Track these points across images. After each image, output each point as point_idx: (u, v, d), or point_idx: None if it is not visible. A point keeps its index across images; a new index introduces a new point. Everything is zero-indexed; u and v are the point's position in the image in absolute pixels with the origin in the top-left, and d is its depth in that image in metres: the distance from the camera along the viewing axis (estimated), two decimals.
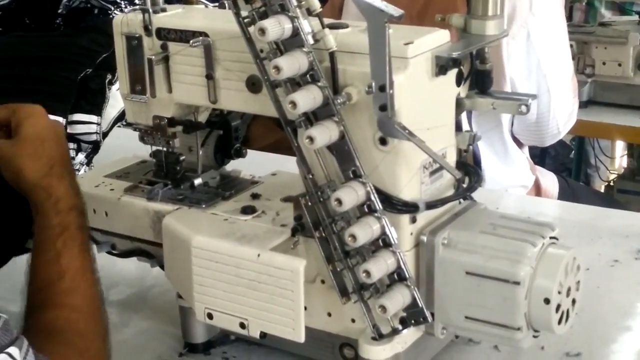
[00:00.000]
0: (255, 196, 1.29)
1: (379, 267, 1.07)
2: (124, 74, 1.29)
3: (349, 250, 1.11)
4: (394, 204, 1.09)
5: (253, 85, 1.17)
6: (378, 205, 1.08)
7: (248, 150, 1.71)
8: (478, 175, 1.19)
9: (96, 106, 1.70)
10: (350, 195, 1.06)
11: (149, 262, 1.34)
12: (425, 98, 1.11)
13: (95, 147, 1.72)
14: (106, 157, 1.67)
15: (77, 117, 1.69)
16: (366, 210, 1.08)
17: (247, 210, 1.24)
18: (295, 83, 1.09)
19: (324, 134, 1.06)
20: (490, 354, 1.25)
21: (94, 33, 1.77)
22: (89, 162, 1.74)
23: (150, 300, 1.41)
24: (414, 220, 1.12)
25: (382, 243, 1.08)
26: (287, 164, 1.31)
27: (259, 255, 1.13)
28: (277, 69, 1.04)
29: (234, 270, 1.15)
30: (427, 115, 1.12)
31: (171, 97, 1.26)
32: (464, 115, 1.25)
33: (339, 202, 1.06)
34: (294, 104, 1.04)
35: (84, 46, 1.75)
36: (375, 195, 1.08)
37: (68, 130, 1.67)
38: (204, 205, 1.26)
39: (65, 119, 1.67)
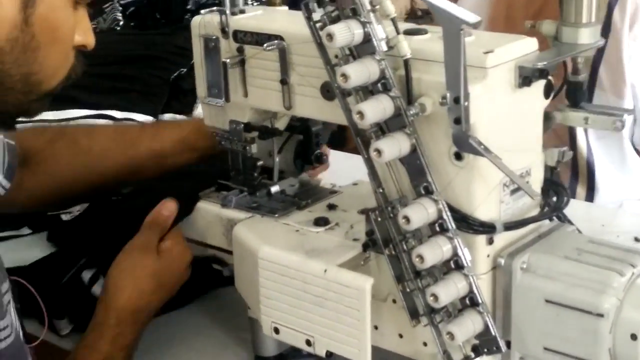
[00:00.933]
0: (331, 207, 1.24)
1: (448, 291, 0.99)
2: (201, 76, 1.25)
3: (420, 270, 1.04)
4: (468, 224, 1.02)
5: (328, 92, 1.12)
6: (451, 224, 1.01)
7: (341, 152, 1.68)
8: (566, 195, 1.11)
9: (187, 106, 1.68)
10: (419, 213, 0.99)
11: (222, 270, 1.30)
12: (506, 111, 1.03)
13: None
14: None
15: (168, 117, 1.67)
16: (438, 229, 1.02)
17: (320, 221, 1.19)
18: (368, 91, 1.03)
19: (393, 146, 0.99)
20: None
21: (190, 32, 1.75)
22: None
23: (224, 308, 1.36)
24: (491, 242, 1.04)
25: (454, 265, 1.01)
26: None
27: (325, 270, 1.08)
28: (345, 76, 0.98)
29: (301, 285, 1.10)
30: (509, 130, 1.04)
31: (247, 102, 1.22)
32: None
33: (407, 220, 0.99)
34: (361, 115, 0.98)
35: (180, 45, 1.73)
36: (448, 214, 1.01)
37: None
38: (277, 215, 1.21)
39: (155, 119, 1.65)
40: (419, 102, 1.01)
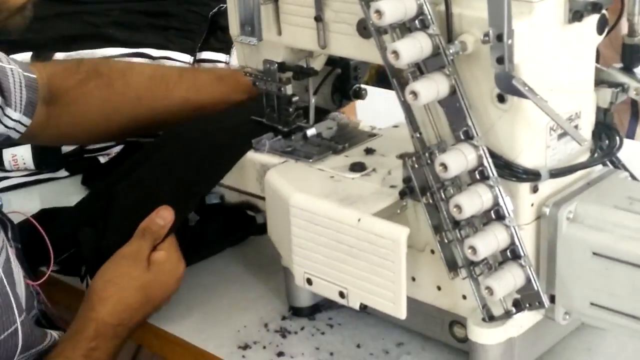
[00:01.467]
0: (369, 151, 1.18)
1: (486, 244, 0.93)
2: (234, 13, 1.19)
3: (458, 220, 0.98)
4: (511, 171, 0.95)
5: (364, 29, 1.05)
6: (492, 171, 0.94)
7: (384, 90, 1.61)
8: (620, 139, 1.03)
9: (226, 44, 1.62)
10: (457, 160, 0.93)
11: (255, 216, 1.25)
12: (554, 49, 0.95)
13: None
14: None
15: (206, 55, 1.61)
16: (478, 176, 0.95)
17: (357, 167, 1.13)
18: (406, 28, 0.96)
19: (431, 88, 0.92)
20: (627, 342, 1.09)
21: None
22: None
23: (257, 257, 1.31)
24: (535, 190, 0.98)
25: (495, 215, 0.95)
26: None
27: (359, 219, 1.02)
28: (379, 13, 0.91)
29: (334, 234, 1.04)
30: (557, 70, 0.96)
31: (280, 40, 1.15)
32: None
33: (444, 167, 0.93)
34: (396, 54, 0.91)
35: None
36: (489, 160, 0.94)
37: None
38: (311, 160, 1.16)
39: (193, 57, 1.59)
40: (460, 40, 0.94)
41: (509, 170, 0.95)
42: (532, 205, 0.98)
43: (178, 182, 1.19)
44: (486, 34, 0.90)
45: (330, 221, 1.04)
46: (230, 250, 1.30)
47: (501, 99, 0.94)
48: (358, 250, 1.02)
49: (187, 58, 1.59)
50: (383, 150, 1.18)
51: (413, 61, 0.93)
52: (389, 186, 1.08)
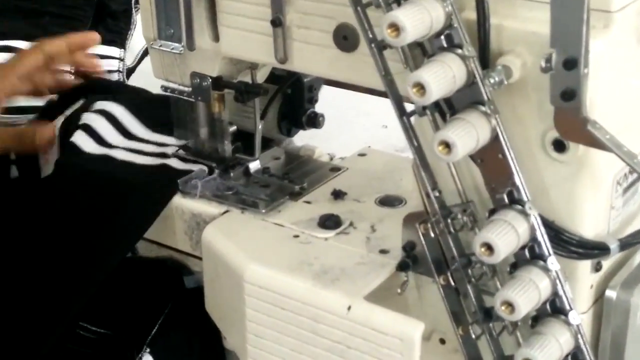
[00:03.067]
0: (338, 195, 0.88)
1: (547, 354, 0.66)
2: (149, 8, 0.87)
3: (490, 309, 0.71)
4: (572, 245, 0.68)
5: (344, 39, 0.75)
6: (548, 248, 0.67)
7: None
8: None
9: (118, 34, 1.28)
10: (507, 237, 0.65)
11: (184, 279, 0.94)
12: (629, 74, 0.68)
13: None
14: None
15: (95, 49, 1.27)
16: (528, 255, 0.67)
17: (328, 222, 0.84)
18: (416, 45, 0.67)
19: (469, 136, 0.64)
20: None
21: None
22: None
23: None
24: (598, 268, 0.71)
25: (551, 308, 0.68)
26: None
27: (349, 307, 0.73)
28: (397, 28, 0.62)
29: (310, 324, 0.75)
30: (631, 101, 0.69)
31: (218, 49, 0.85)
32: None
33: (489, 248, 0.65)
34: (420, 88, 0.62)
35: None
36: (544, 233, 0.67)
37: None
38: (263, 210, 0.86)
39: None
40: (501, 64, 0.65)
41: (568, 245, 0.68)
42: (591, 287, 0.71)
43: (78, 247, 0.87)
44: (548, 59, 0.62)
45: (304, 307, 0.75)
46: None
47: (560, 147, 0.67)
48: (346, 348, 0.74)
49: None
50: (355, 191, 0.89)
51: (442, 96, 0.64)
52: (377, 250, 0.80)
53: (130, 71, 1.32)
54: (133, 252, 0.96)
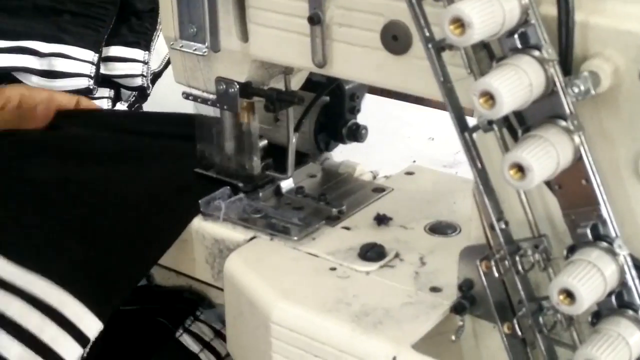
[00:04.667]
0: (381, 220, 0.77)
1: None
2: (169, 6, 0.76)
3: None
4: None
5: (394, 40, 0.64)
6: (638, 295, 0.55)
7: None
8: None
9: (143, 35, 1.18)
10: (592, 282, 0.53)
11: (203, 312, 0.83)
12: None
13: (142, 94, 1.19)
14: (157, 109, 1.16)
15: (116, 51, 1.17)
16: (614, 303, 0.55)
17: (371, 252, 0.72)
18: (483, 45, 0.55)
19: (548, 158, 0.52)
20: None
21: None
22: None
23: None
24: None
25: None
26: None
27: (394, 358, 0.61)
28: (461, 24, 0.50)
29: None
30: None
31: (246, 50, 0.73)
32: None
33: (569, 296, 0.53)
34: (489, 98, 0.51)
35: None
36: (636, 278, 0.55)
37: (102, 71, 1.16)
38: (295, 238, 0.74)
39: (98, 54, 1.15)
40: (588, 70, 0.53)
41: None
42: None
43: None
44: None
45: (341, 355, 0.64)
46: None
47: None
48: None
49: (89, 55, 1.14)
50: (402, 216, 0.78)
51: (516, 108, 0.52)
52: (428, 288, 0.68)
53: (156, 76, 1.22)
54: (148, 279, 0.86)
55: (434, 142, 1.25)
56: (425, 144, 1.25)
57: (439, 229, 0.76)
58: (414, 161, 0.98)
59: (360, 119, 0.86)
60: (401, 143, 1.24)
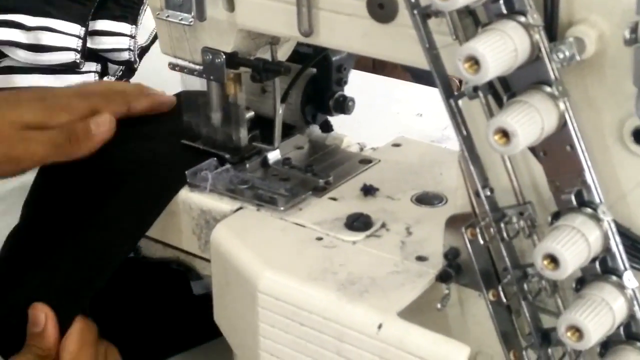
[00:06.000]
0: (368, 191, 0.77)
1: None
2: None
3: (549, 331, 0.59)
4: None
5: (380, 8, 0.64)
6: (624, 262, 0.55)
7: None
8: None
9: (130, 9, 1.17)
10: (576, 247, 0.53)
11: (192, 285, 0.83)
12: None
13: (129, 69, 1.19)
14: (144, 83, 1.15)
15: (103, 24, 1.16)
16: (598, 269, 0.56)
17: (357, 222, 0.72)
18: (469, 12, 0.55)
19: (533, 124, 0.52)
20: None
21: None
22: None
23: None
24: None
25: (625, 334, 0.56)
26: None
27: (380, 325, 0.62)
28: None
29: (334, 344, 0.64)
30: None
31: (233, 20, 0.73)
32: None
33: (553, 261, 0.53)
34: (474, 63, 0.51)
35: None
36: (619, 244, 0.55)
37: (89, 45, 1.15)
38: (282, 208, 0.74)
39: (84, 28, 1.14)
40: (572, 36, 0.53)
41: None
42: None
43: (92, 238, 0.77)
44: (633, 29, 0.50)
45: (327, 323, 0.64)
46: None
47: None
48: None
49: (76, 29, 1.14)
50: (388, 187, 0.78)
51: (501, 73, 0.52)
52: (414, 257, 0.68)
53: (143, 50, 1.21)
54: (135, 252, 0.86)
55: (423, 118, 1.25)
56: (414, 120, 1.25)
57: (426, 199, 0.76)
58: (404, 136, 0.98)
59: (350, 95, 0.86)
60: (390, 119, 1.24)
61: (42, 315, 0.72)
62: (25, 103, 0.81)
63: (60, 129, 0.79)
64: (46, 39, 1.13)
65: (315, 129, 0.86)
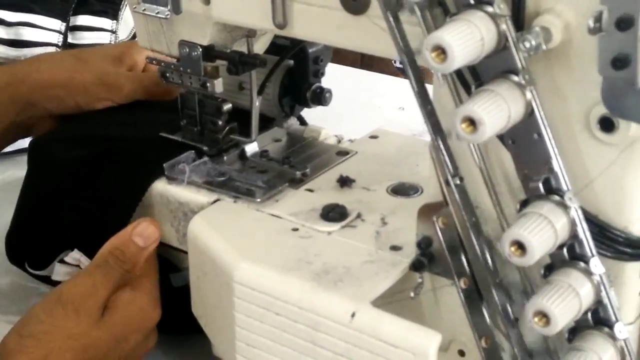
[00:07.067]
0: (344, 182, 0.78)
1: None
2: None
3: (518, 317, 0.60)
4: (620, 245, 0.57)
5: (353, 0, 0.64)
6: (591, 248, 0.56)
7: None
8: None
9: (111, 4, 1.18)
10: (542, 234, 0.54)
11: (171, 277, 0.84)
12: None
13: None
14: None
15: (84, 20, 1.17)
16: (566, 256, 0.56)
17: (333, 212, 0.73)
18: (438, 2, 0.56)
19: (499, 112, 0.53)
20: None
21: None
22: None
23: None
24: None
25: (593, 319, 0.57)
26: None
27: (353, 314, 0.62)
28: None
29: (309, 333, 0.65)
30: None
31: (208, 13, 0.74)
32: None
33: (520, 248, 0.54)
34: (441, 53, 0.51)
35: None
36: (587, 230, 0.56)
37: (70, 40, 1.15)
38: (259, 200, 0.75)
39: (65, 23, 1.15)
40: (539, 26, 0.54)
41: (615, 244, 0.57)
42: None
43: None
44: (597, 18, 0.51)
45: (302, 312, 0.65)
46: None
47: (607, 125, 0.55)
48: None
49: (57, 24, 1.14)
50: (364, 178, 0.78)
51: (468, 62, 0.53)
52: (388, 247, 0.69)
53: None
54: None
55: (404, 111, 1.26)
56: (396, 113, 1.26)
57: (401, 190, 0.77)
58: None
59: (332, 89, 0.87)
60: (372, 112, 1.25)
61: (155, 232, 0.75)
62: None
63: None
64: (27, 34, 1.13)
65: (293, 122, 0.87)
